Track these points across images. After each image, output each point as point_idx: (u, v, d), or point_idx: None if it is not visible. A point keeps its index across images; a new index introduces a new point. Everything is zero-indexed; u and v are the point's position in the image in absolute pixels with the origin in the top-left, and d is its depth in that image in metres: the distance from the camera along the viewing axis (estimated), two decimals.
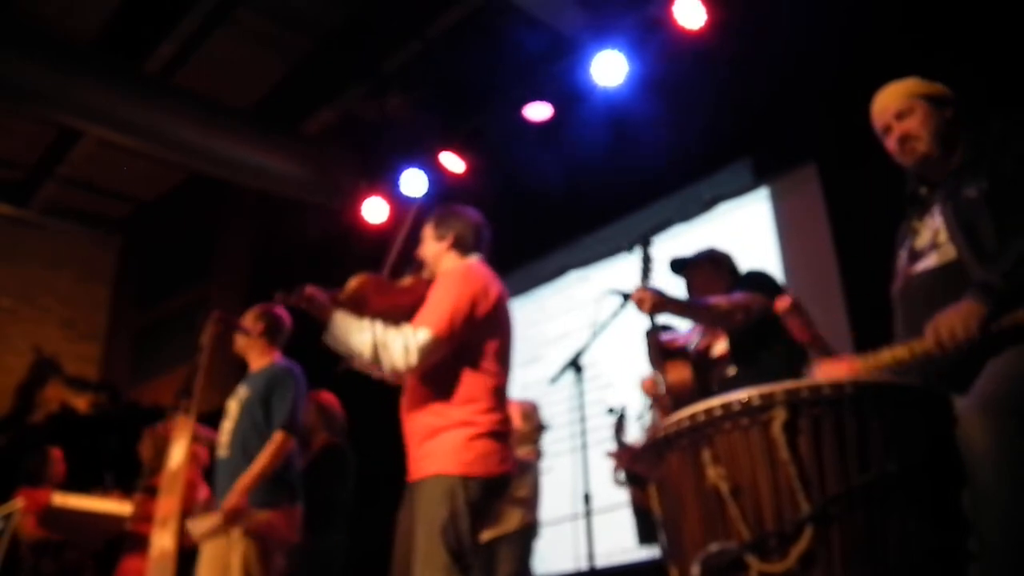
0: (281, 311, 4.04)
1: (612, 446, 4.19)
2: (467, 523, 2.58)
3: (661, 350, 3.04)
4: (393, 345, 2.63)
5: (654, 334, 3.01)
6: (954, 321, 1.93)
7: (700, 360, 3.13)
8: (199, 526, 3.68)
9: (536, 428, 4.78)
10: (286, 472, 3.74)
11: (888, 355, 2.05)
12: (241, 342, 4.00)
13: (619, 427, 4.20)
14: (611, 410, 4.17)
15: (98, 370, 9.55)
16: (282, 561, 3.68)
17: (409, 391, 2.83)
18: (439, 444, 2.66)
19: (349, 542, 4.49)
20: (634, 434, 4.34)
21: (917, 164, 2.32)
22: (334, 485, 4.46)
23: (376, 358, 2.64)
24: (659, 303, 2.80)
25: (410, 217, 3.04)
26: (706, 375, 3.10)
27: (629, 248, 2.97)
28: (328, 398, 4.65)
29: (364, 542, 4.59)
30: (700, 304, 2.93)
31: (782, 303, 2.48)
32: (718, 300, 2.91)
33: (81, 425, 8.31)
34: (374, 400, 3.20)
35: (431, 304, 2.75)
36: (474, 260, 2.99)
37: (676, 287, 3.28)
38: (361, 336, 2.65)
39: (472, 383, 2.74)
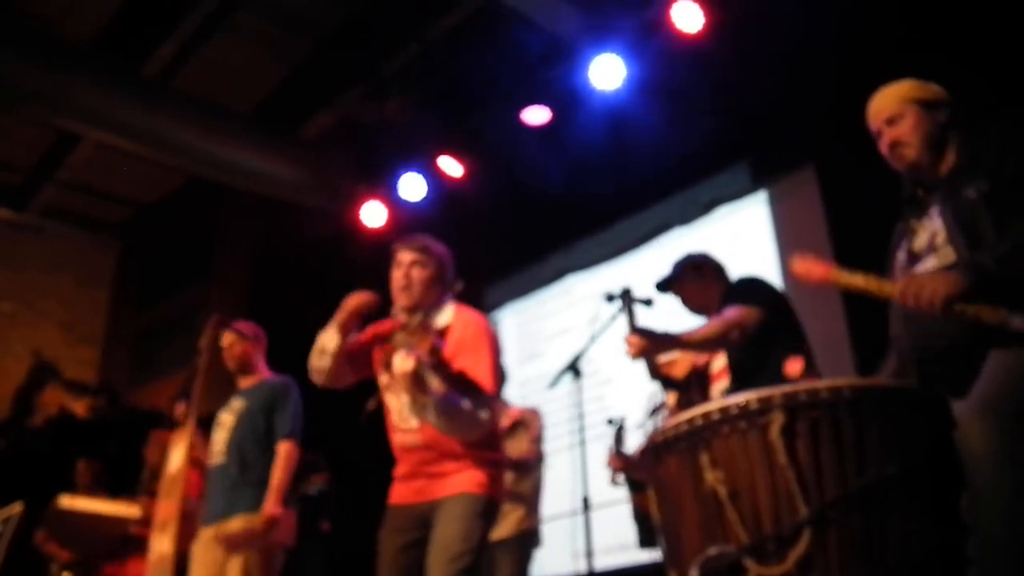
0: (256, 327, 4.10)
1: (611, 456, 4.20)
2: (486, 539, 2.78)
3: (661, 378, 3.06)
4: (482, 413, 2.73)
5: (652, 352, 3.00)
6: (926, 285, 1.95)
7: (700, 377, 3.13)
8: (235, 540, 3.65)
9: (527, 428, 4.74)
10: None
11: (860, 279, 2.11)
12: (239, 358, 4.01)
13: (618, 438, 4.21)
14: (610, 421, 4.18)
15: (97, 374, 9.54)
16: (282, 561, 3.71)
17: (430, 437, 2.81)
18: (469, 474, 2.77)
19: (325, 554, 4.50)
20: (633, 443, 4.35)
21: (907, 170, 2.33)
22: (311, 500, 4.46)
23: (464, 428, 2.71)
24: (649, 347, 2.80)
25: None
26: (707, 392, 3.10)
27: (609, 299, 2.97)
28: None
29: (340, 550, 4.59)
30: (692, 338, 2.89)
31: (793, 368, 2.54)
32: (707, 329, 2.88)
33: (80, 429, 8.31)
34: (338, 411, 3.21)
35: (482, 368, 2.78)
36: (472, 310, 3.01)
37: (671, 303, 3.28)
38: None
39: (495, 426, 2.90)
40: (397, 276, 2.91)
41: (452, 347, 2.80)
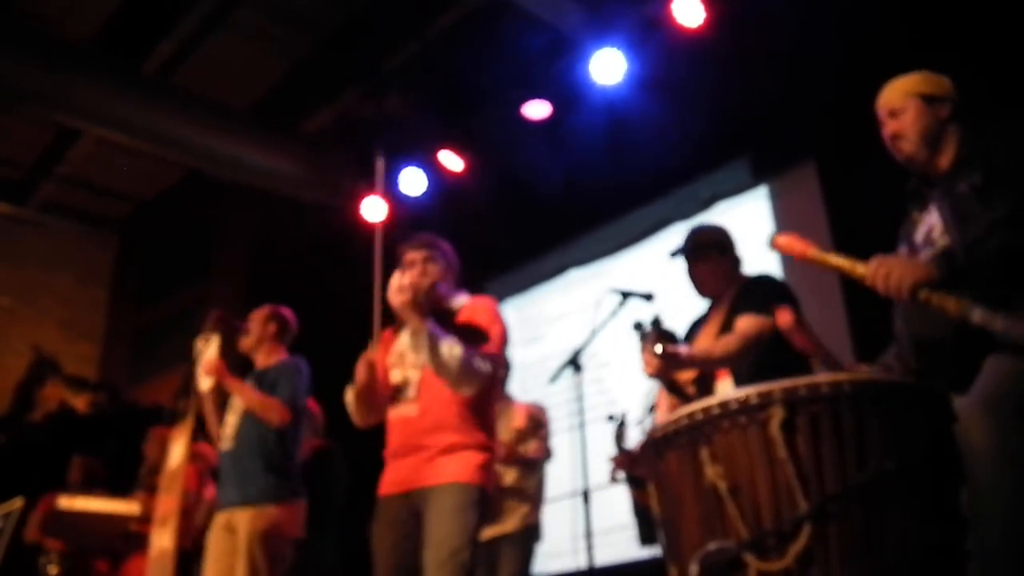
0: (287, 311, 4.10)
1: (613, 451, 4.18)
2: (480, 530, 2.76)
3: (667, 384, 3.02)
4: (479, 363, 2.76)
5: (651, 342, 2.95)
6: (895, 269, 1.96)
7: (703, 376, 3.10)
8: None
9: (538, 425, 4.77)
10: (289, 466, 3.78)
11: (835, 259, 2.13)
12: (247, 342, 4.02)
13: (619, 434, 4.19)
14: (611, 417, 4.16)
15: (97, 370, 9.54)
16: (291, 554, 3.70)
17: (426, 407, 2.85)
18: (460, 459, 2.76)
19: (339, 545, 4.49)
20: (634, 439, 4.34)
21: (904, 162, 2.34)
22: (326, 488, 4.45)
23: (459, 369, 2.72)
24: (667, 368, 2.75)
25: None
26: (710, 389, 3.07)
27: (637, 328, 2.88)
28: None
29: (354, 545, 4.59)
30: (711, 357, 2.82)
31: (784, 319, 2.49)
32: (728, 347, 2.79)
33: (80, 425, 8.31)
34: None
35: (491, 332, 2.89)
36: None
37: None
38: (451, 346, 2.72)
39: (491, 409, 2.93)
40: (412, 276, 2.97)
41: (465, 316, 2.93)
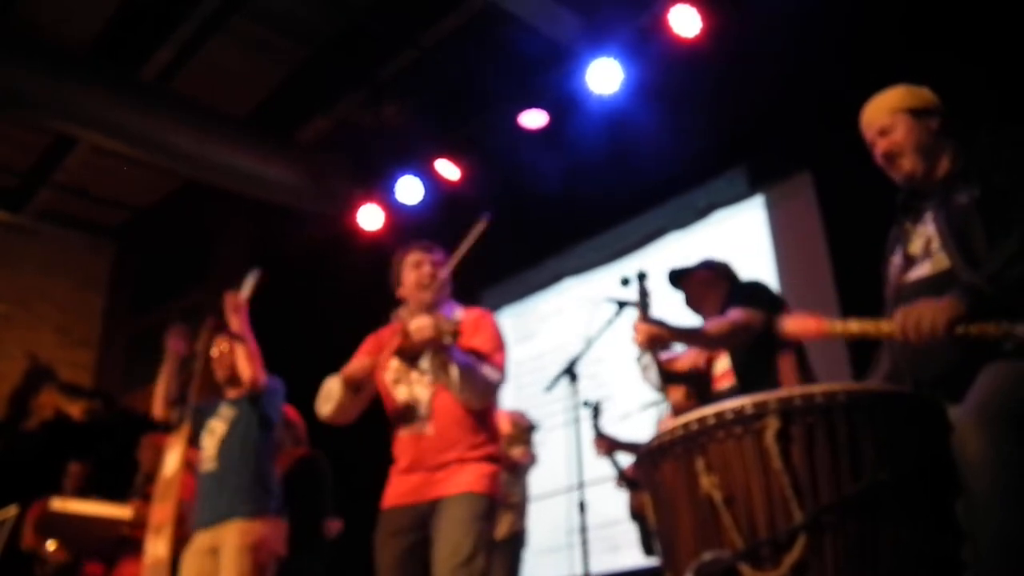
0: None
1: (596, 439, 4.22)
2: (491, 538, 2.79)
3: (662, 372, 3.05)
4: (491, 374, 2.83)
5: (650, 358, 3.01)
6: (925, 314, 1.95)
7: (702, 377, 3.13)
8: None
9: (526, 430, 4.80)
10: (269, 482, 3.77)
11: (855, 325, 2.09)
12: (221, 374, 4.00)
13: (595, 418, 4.25)
14: (586, 403, 4.21)
15: (92, 377, 9.51)
16: (275, 571, 3.68)
17: (440, 425, 2.86)
18: (471, 470, 2.78)
19: (328, 558, 4.48)
20: (612, 424, 4.38)
21: (904, 179, 2.33)
22: (312, 498, 4.42)
23: (479, 388, 2.78)
24: (656, 336, 2.79)
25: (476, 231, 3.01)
26: (707, 391, 3.10)
27: (625, 283, 2.96)
28: (287, 410, 4.60)
29: (342, 558, 4.58)
30: (700, 333, 2.91)
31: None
32: (717, 325, 2.88)
33: (75, 432, 8.28)
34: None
35: (493, 347, 2.92)
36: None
37: (676, 298, 3.29)
38: (469, 368, 2.78)
39: (494, 421, 2.95)
40: (422, 274, 3.00)
41: (469, 330, 2.93)
